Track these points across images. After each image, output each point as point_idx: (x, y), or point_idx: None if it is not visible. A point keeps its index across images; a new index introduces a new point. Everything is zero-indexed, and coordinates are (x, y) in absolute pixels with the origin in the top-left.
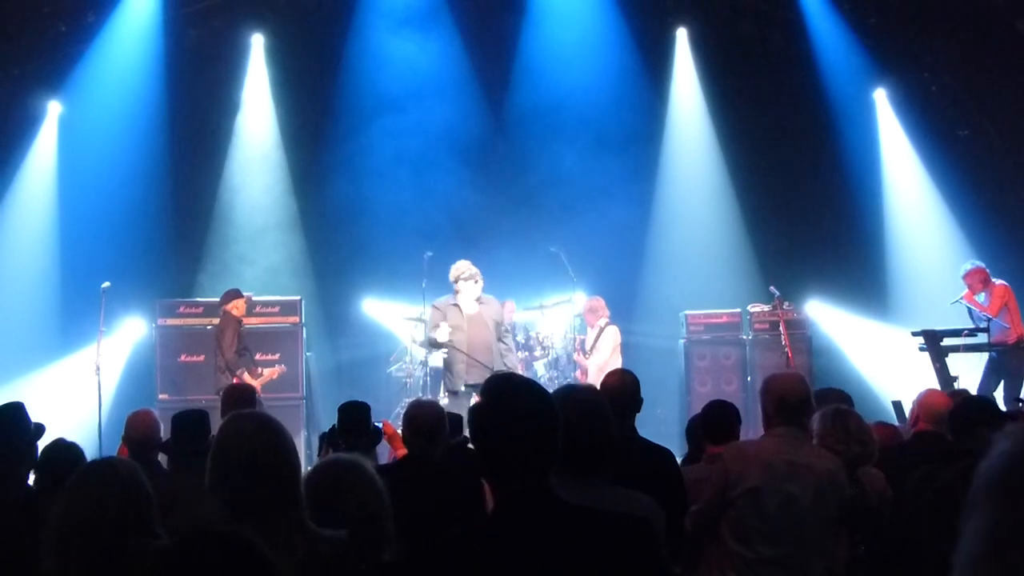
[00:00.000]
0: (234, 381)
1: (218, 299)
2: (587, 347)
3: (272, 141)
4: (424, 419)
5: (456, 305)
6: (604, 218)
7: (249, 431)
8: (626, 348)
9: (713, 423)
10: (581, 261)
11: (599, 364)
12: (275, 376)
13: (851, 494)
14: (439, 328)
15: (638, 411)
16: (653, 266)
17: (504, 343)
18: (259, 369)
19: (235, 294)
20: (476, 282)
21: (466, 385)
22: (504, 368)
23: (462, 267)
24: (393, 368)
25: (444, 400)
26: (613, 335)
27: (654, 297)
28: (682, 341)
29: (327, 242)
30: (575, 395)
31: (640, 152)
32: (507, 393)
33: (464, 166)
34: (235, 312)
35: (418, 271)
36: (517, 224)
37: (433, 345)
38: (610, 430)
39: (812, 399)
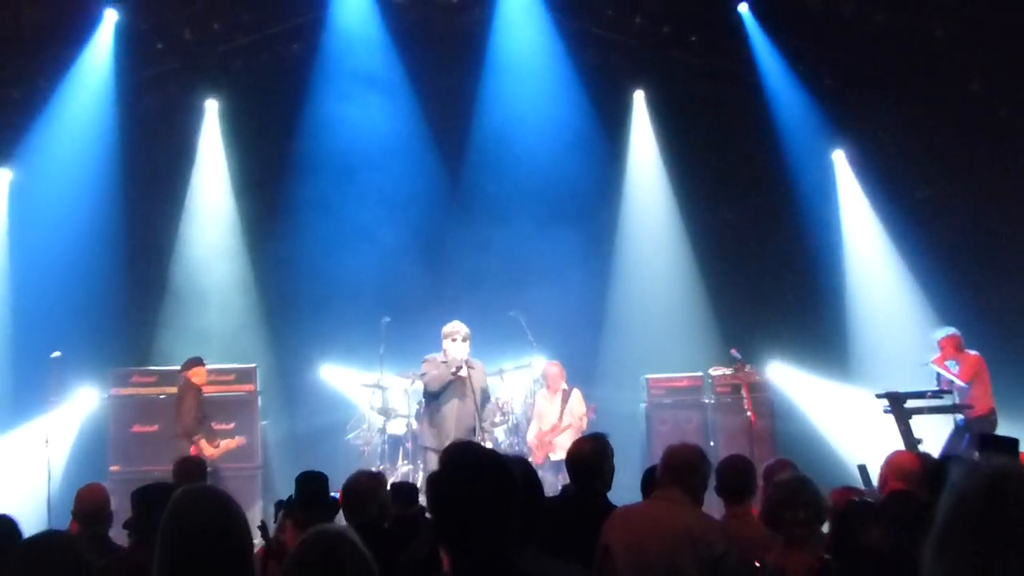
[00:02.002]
0: (191, 450)
1: (172, 367)
2: (537, 412)
3: (227, 206)
4: (356, 488)
5: (446, 363)
6: (563, 284)
7: (199, 508)
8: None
9: (728, 480)
10: (540, 326)
11: (579, 426)
12: (233, 447)
13: (722, 554)
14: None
15: (605, 477)
16: (613, 330)
17: (483, 415)
18: (217, 440)
19: (196, 361)
20: (464, 342)
21: (443, 450)
22: (485, 439)
23: (453, 326)
24: (351, 436)
25: (404, 467)
26: (579, 395)
27: (615, 361)
28: (643, 405)
29: (283, 308)
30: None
31: (598, 218)
32: (465, 461)
33: (421, 231)
34: (196, 380)
35: (375, 337)
36: (476, 289)
37: (445, 378)
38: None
39: (702, 467)
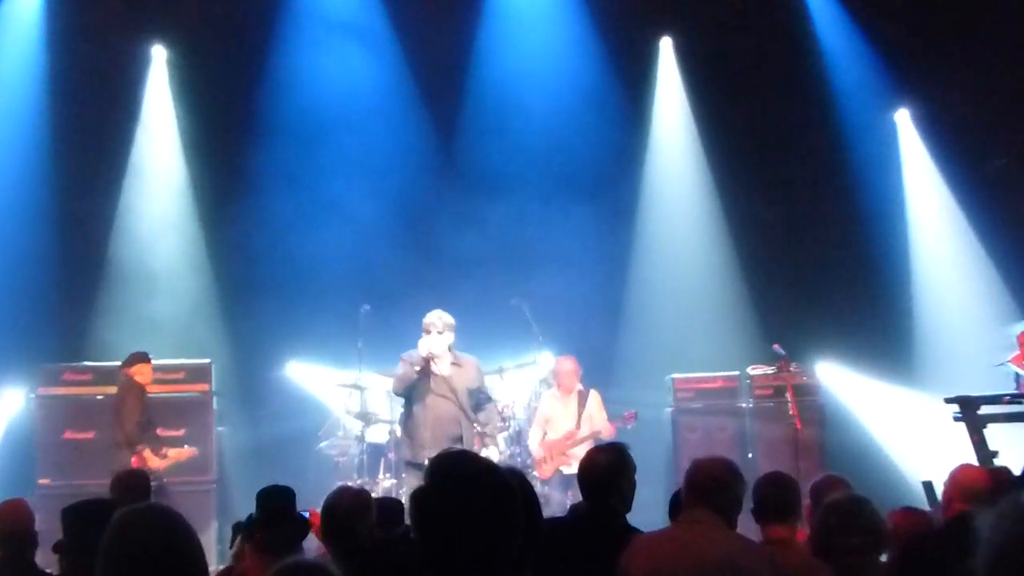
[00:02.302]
0: (132, 461)
1: (111, 363)
2: (542, 416)
3: (177, 173)
4: (341, 508)
5: (424, 361)
6: (574, 268)
7: (143, 530)
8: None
9: (768, 500)
10: (547, 318)
11: (606, 431)
12: (184, 458)
13: None
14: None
15: (624, 494)
16: (633, 322)
17: (478, 419)
18: (164, 449)
19: (140, 357)
20: (443, 334)
21: (430, 460)
22: (487, 446)
23: (431, 316)
24: (323, 445)
25: (387, 481)
26: (598, 400)
27: (635, 359)
28: (669, 410)
29: (243, 294)
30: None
31: (616, 190)
32: (456, 472)
33: (406, 206)
34: (139, 378)
35: (352, 329)
36: (470, 274)
37: (410, 377)
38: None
39: (734, 484)
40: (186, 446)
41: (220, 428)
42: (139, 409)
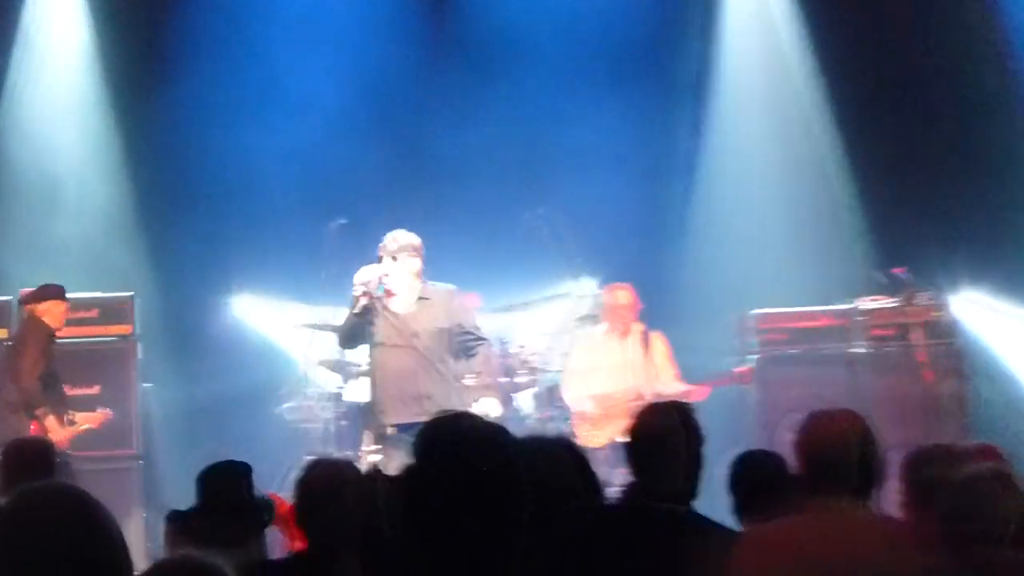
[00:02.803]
0: (31, 427)
1: (11, 297)
2: (584, 364)
3: (82, 48)
4: (322, 484)
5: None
6: (614, 175)
7: (45, 518)
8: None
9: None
10: (580, 240)
11: (686, 393)
12: (96, 425)
13: None
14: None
15: (689, 471)
16: (697, 244)
17: (457, 369)
18: (72, 413)
19: (53, 292)
20: (412, 259)
21: (393, 426)
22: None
23: (393, 238)
24: (286, 407)
25: (374, 454)
26: (665, 347)
27: (700, 291)
28: (754, 359)
29: (174, 207)
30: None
31: (672, 71)
32: (452, 453)
33: (385, 92)
34: (48, 320)
35: (319, 252)
36: (473, 183)
37: (350, 323)
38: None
39: (865, 446)
40: (100, 409)
41: (146, 384)
42: (44, 360)
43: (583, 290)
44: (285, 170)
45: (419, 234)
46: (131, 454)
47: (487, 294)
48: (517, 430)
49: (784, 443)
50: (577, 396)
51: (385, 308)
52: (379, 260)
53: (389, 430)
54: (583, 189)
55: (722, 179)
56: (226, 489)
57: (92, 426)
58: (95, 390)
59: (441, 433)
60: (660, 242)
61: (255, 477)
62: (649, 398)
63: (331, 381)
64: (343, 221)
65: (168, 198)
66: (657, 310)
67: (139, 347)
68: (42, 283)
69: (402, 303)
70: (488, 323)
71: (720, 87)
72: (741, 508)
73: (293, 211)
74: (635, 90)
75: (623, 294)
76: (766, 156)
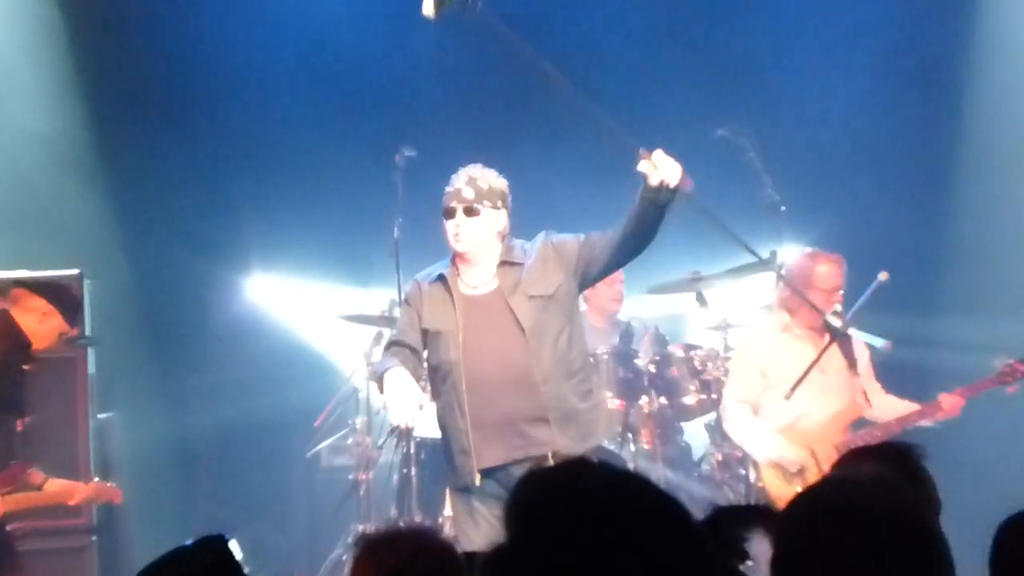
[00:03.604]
0: None
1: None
2: (752, 365)
3: None
4: (393, 571)
5: (443, 280)
6: (844, 103)
7: None
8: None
9: None
10: (789, 183)
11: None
12: (77, 501)
13: None
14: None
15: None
16: (963, 204)
17: (586, 377)
18: (33, 470)
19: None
20: (484, 217)
21: (482, 473)
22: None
23: (458, 180)
24: (324, 446)
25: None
26: (866, 351)
27: (972, 272)
28: None
29: (148, 141)
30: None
31: None
32: (574, 519)
33: None
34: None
35: (379, 202)
36: (625, 88)
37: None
38: None
39: None
40: (94, 481)
41: (103, 415)
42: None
43: (792, 254)
44: (314, 75)
45: (525, 174)
46: (82, 525)
47: (635, 267)
48: (690, 487)
49: None
50: (746, 423)
51: (452, 294)
52: (444, 214)
53: (476, 479)
54: (782, 116)
55: (999, 99)
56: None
57: (68, 502)
58: (19, 425)
59: (549, 498)
60: (901, 194)
61: (284, 555)
62: (865, 437)
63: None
64: (411, 152)
65: (137, 122)
66: (900, 294)
67: (91, 355)
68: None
69: (477, 279)
70: (636, 309)
71: None
72: None
73: (328, 140)
74: None
75: (829, 269)
76: None
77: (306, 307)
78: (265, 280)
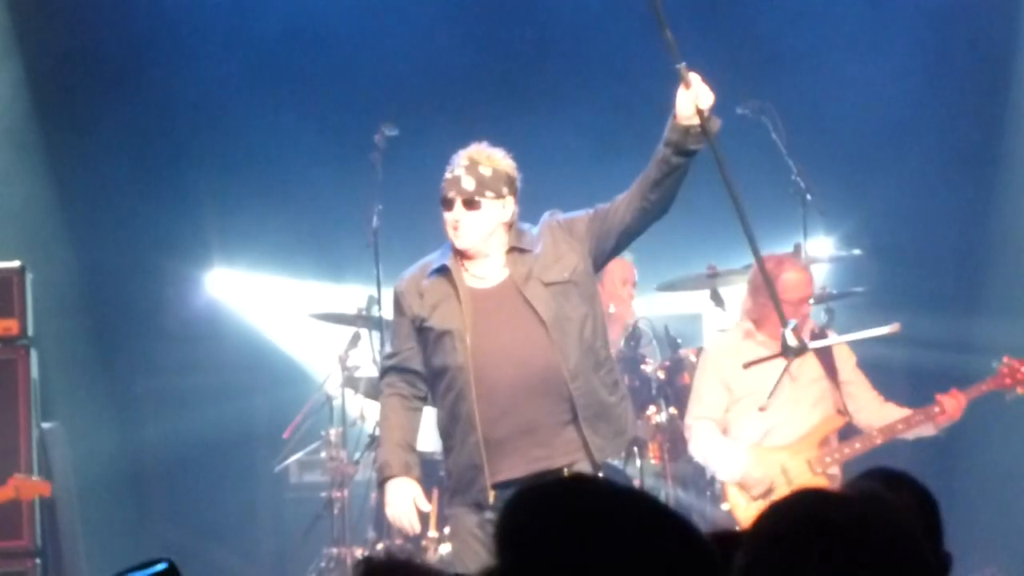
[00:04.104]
0: None
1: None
2: (715, 380)
3: None
4: None
5: (446, 272)
6: (882, 86)
7: None
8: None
9: None
10: (818, 171)
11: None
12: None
13: None
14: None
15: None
16: (1009, 200)
17: (613, 369)
18: None
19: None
20: (500, 201)
21: (497, 487)
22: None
23: (459, 160)
24: (293, 461)
25: (446, 543)
26: (850, 356)
27: (1018, 273)
28: None
29: (100, 111)
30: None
31: None
32: (595, 540)
33: None
34: None
35: (356, 186)
36: (630, 60)
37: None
38: None
39: None
40: (22, 476)
41: (47, 424)
42: None
43: (820, 247)
44: (277, 49)
45: (517, 153)
46: (23, 547)
47: (643, 261)
48: (702, 507)
49: None
50: (712, 440)
51: (457, 287)
52: (441, 203)
53: (489, 496)
54: (817, 86)
55: None
56: None
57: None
58: None
59: (543, 521)
60: (936, 183)
61: None
62: (840, 450)
63: (372, 415)
64: (392, 131)
65: (85, 97)
66: (941, 294)
67: (34, 356)
68: None
69: (485, 270)
70: (649, 307)
71: None
72: None
73: (297, 120)
74: None
75: (797, 277)
76: None
77: (273, 305)
78: (227, 274)
